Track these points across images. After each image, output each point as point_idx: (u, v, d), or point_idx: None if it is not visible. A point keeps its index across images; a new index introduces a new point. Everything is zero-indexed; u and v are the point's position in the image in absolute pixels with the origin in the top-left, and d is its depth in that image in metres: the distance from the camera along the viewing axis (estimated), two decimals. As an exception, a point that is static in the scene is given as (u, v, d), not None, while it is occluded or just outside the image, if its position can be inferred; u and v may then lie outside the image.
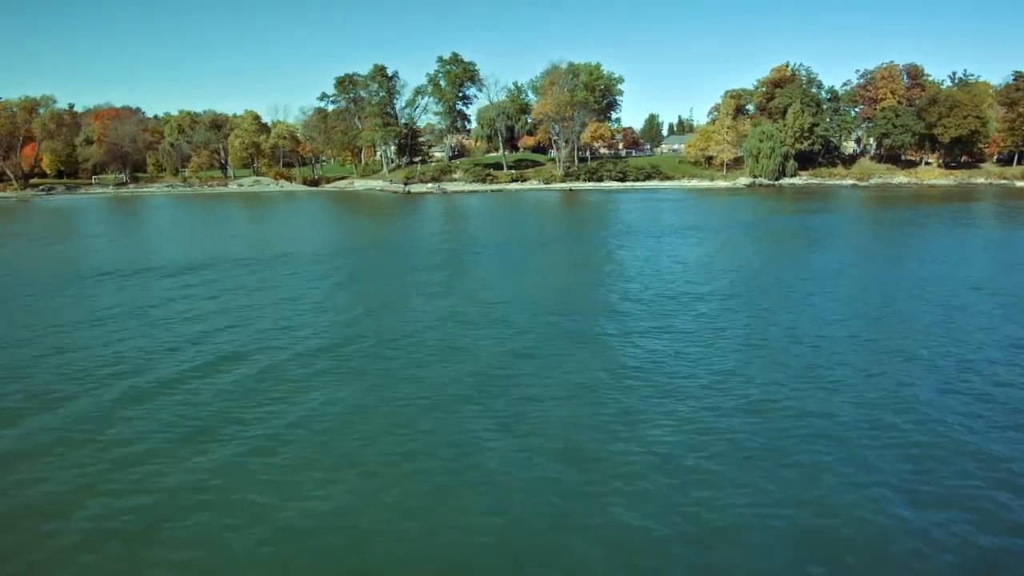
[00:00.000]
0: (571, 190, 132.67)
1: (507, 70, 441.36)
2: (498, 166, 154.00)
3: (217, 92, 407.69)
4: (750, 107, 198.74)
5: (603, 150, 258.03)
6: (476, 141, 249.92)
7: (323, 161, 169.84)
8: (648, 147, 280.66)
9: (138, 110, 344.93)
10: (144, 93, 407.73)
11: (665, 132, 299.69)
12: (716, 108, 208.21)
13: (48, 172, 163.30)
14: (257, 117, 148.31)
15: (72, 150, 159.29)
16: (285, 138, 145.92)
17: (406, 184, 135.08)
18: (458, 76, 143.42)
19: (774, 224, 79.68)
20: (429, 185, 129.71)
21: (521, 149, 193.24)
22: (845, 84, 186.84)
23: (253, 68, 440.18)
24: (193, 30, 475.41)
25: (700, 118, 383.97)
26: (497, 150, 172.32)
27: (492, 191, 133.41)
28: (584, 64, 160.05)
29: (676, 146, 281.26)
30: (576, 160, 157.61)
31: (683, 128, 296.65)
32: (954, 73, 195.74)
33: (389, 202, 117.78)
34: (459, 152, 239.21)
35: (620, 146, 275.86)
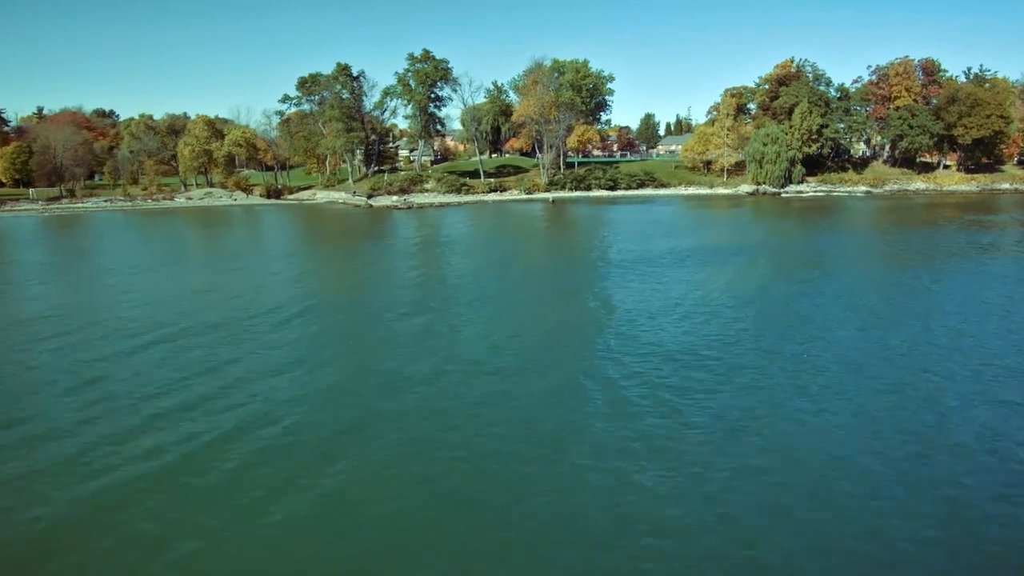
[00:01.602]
0: (553, 202, 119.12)
1: (491, 70, 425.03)
2: (476, 174, 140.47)
3: (194, 94, 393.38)
4: (752, 106, 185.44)
5: (596, 152, 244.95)
6: (463, 144, 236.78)
7: (290, 168, 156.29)
8: (644, 148, 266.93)
9: (111, 113, 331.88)
10: (124, 96, 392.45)
11: (662, 132, 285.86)
12: (715, 107, 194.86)
13: (4, 181, 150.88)
14: (210, 122, 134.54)
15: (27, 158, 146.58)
16: (241, 145, 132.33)
17: (370, 197, 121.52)
18: (429, 75, 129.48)
19: (782, 252, 66.19)
20: (395, 198, 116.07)
21: (506, 154, 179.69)
22: (856, 81, 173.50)
23: (232, 69, 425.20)
24: (168, 30, 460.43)
25: (699, 117, 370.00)
26: (485, 152, 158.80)
27: (467, 203, 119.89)
28: (570, 61, 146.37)
29: (673, 147, 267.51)
30: (563, 166, 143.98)
31: (681, 128, 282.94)
32: (969, 69, 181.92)
33: (350, 220, 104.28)
34: (443, 156, 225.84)
35: (615, 147, 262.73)
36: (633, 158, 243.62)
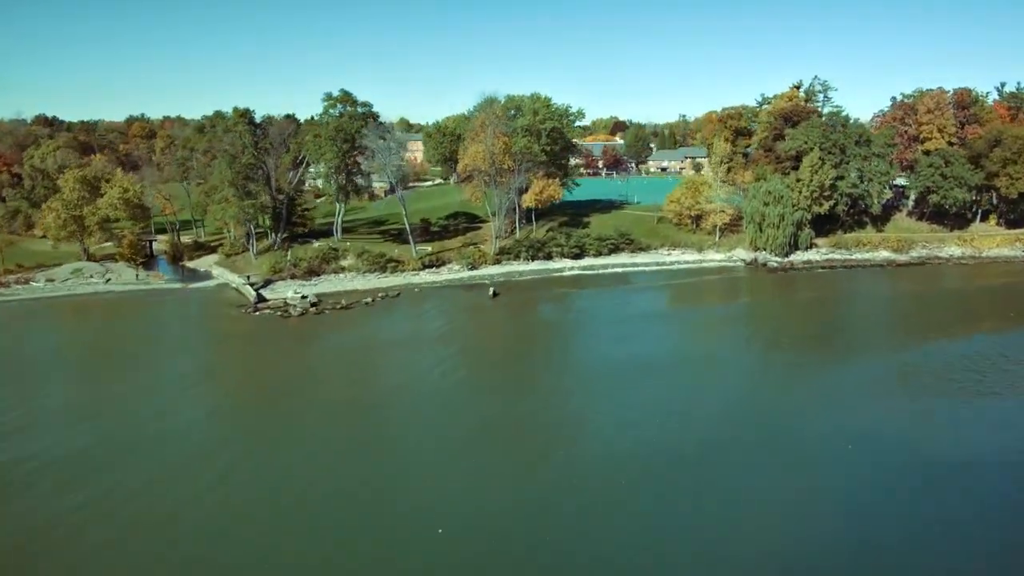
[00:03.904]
0: (495, 295, 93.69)
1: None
2: (424, 231, 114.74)
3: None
4: (753, 125, 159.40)
5: (581, 169, 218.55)
6: (428, 162, 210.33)
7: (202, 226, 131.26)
8: (633, 166, 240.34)
9: (54, 120, 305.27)
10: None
11: (654, 147, 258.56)
12: (705, 139, 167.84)
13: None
14: (84, 179, 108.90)
15: None
16: (118, 208, 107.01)
17: (265, 285, 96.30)
18: (345, 127, 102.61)
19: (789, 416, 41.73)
20: (291, 294, 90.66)
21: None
22: (877, 115, 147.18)
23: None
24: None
25: (693, 112, 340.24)
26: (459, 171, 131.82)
27: (390, 291, 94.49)
28: (529, 97, 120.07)
29: (665, 163, 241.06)
30: (518, 222, 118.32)
31: (674, 141, 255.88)
32: (1002, 84, 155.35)
33: (222, 340, 79.61)
34: (405, 180, 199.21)
35: (600, 165, 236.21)
36: (618, 179, 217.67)
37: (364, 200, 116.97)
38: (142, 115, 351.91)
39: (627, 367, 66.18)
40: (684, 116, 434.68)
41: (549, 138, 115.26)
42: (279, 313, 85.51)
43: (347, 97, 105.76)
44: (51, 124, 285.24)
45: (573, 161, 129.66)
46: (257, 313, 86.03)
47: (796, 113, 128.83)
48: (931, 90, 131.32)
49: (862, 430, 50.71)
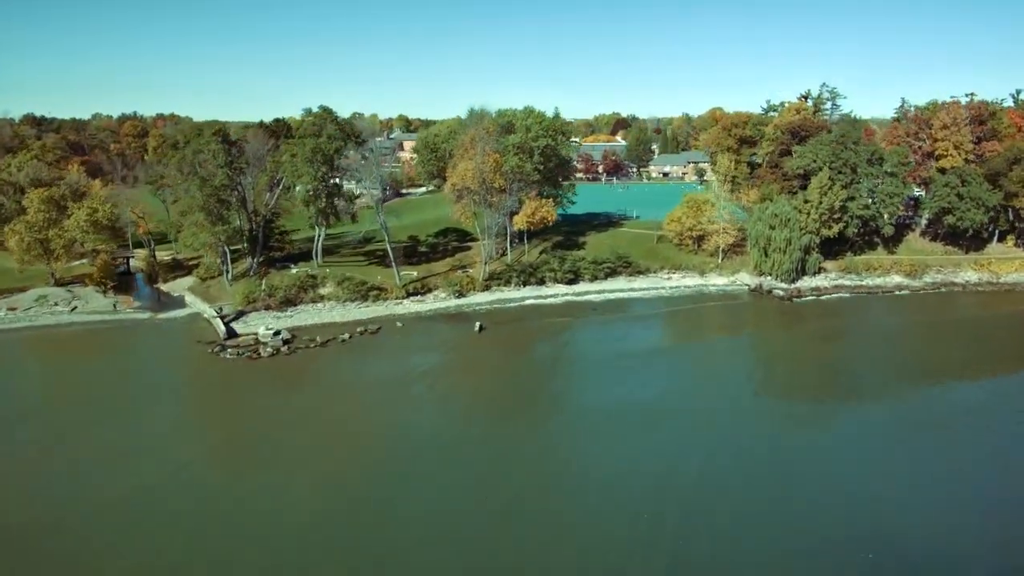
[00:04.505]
0: (481, 329, 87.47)
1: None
2: (410, 251, 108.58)
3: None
4: (758, 132, 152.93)
5: (579, 174, 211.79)
6: (416, 170, 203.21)
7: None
8: (635, 170, 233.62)
9: (43, 119, 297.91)
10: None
11: (656, 149, 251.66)
12: (708, 145, 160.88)
13: None
14: (50, 198, 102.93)
15: None
16: (87, 232, 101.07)
17: (238, 317, 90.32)
18: (323, 148, 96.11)
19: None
20: (263, 330, 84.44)
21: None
22: (897, 115, 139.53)
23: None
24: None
25: (693, 110, 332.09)
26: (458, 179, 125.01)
27: (366, 331, 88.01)
28: (521, 111, 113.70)
29: (667, 168, 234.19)
30: (509, 243, 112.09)
31: (676, 144, 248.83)
32: (1018, 92, 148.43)
33: (182, 389, 74.09)
34: (395, 190, 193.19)
35: (600, 169, 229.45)
36: (618, 185, 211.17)
37: (349, 223, 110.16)
38: (135, 113, 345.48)
39: (621, 421, 61.64)
40: (687, 114, 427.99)
41: (542, 156, 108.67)
42: (247, 354, 79.49)
43: (328, 114, 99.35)
44: (39, 124, 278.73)
45: (567, 182, 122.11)
46: (225, 353, 80.00)
47: (804, 127, 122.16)
48: (946, 102, 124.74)
49: (886, 532, 44.74)
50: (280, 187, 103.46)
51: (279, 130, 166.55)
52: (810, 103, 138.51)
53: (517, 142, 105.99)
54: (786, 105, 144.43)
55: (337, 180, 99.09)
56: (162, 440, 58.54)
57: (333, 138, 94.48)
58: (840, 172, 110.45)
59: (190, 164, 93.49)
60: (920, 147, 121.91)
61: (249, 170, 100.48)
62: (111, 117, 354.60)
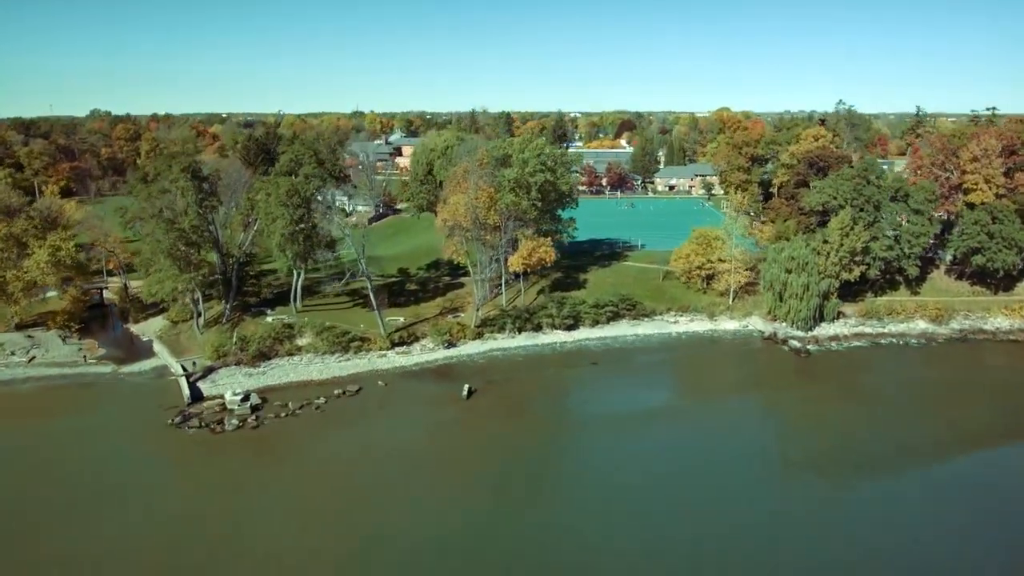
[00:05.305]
0: (468, 394, 79.51)
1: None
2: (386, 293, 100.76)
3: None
4: (771, 151, 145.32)
5: (581, 187, 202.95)
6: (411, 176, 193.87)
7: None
8: (639, 183, 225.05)
9: (31, 123, 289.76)
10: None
11: (662, 158, 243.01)
12: (715, 160, 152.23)
13: None
14: (10, 235, 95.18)
15: None
16: (45, 271, 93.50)
17: (206, 374, 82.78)
18: (299, 188, 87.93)
19: None
20: (230, 395, 76.76)
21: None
22: (911, 124, 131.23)
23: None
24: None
25: (699, 108, 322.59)
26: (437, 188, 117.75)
27: (345, 392, 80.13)
28: (518, 141, 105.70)
29: (673, 180, 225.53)
30: (504, 284, 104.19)
31: (683, 156, 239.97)
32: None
33: (129, 478, 66.31)
34: (388, 205, 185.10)
35: (603, 182, 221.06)
36: (624, 201, 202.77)
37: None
38: (127, 114, 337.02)
39: (623, 507, 54.82)
40: (693, 114, 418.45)
41: (540, 192, 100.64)
42: (211, 426, 71.98)
43: (306, 148, 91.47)
44: (28, 128, 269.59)
45: (566, 214, 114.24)
46: (187, 425, 72.41)
47: (823, 158, 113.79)
48: (972, 126, 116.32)
49: None
50: (255, 227, 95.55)
51: (269, 143, 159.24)
52: (829, 130, 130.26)
53: (513, 177, 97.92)
54: (798, 121, 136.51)
55: (315, 222, 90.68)
56: (95, 563, 50.97)
57: (311, 177, 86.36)
58: (862, 210, 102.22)
59: (155, 206, 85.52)
60: (948, 179, 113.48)
61: (222, 208, 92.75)
62: (109, 112, 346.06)
